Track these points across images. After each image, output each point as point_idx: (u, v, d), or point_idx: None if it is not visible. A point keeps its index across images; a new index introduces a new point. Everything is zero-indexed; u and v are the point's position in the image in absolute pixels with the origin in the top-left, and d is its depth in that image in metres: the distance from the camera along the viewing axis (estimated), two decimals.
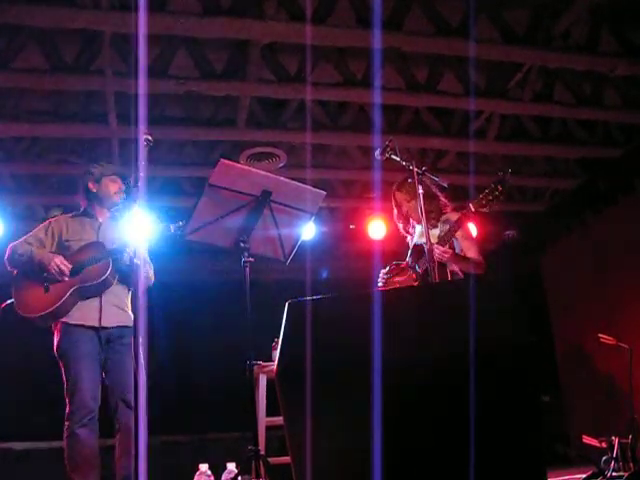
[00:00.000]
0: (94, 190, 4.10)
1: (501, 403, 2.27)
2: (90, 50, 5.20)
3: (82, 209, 4.18)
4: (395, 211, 4.60)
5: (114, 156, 6.31)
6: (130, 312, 4.05)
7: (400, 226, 4.63)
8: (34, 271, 3.85)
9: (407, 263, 4.39)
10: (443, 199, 4.39)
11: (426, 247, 3.85)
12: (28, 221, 6.86)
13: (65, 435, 3.77)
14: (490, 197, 3.97)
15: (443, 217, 4.34)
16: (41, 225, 4.14)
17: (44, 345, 4.00)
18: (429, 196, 4.17)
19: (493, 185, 3.97)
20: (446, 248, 4.04)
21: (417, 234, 4.50)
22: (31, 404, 5.92)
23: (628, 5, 5.31)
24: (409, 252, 4.41)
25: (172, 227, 3.97)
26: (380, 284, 4.46)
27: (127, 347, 3.90)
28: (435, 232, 4.21)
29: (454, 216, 4.27)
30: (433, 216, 4.25)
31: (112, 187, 4.09)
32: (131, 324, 3.98)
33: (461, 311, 2.28)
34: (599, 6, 5.24)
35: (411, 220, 4.54)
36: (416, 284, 4.21)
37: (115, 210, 4.13)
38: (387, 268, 4.49)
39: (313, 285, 6.69)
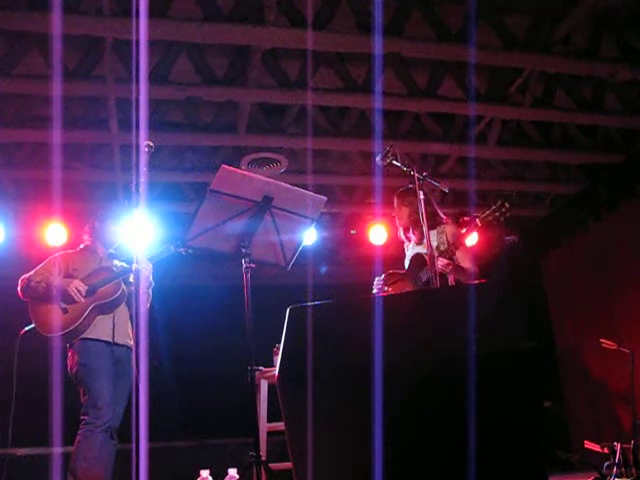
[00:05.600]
0: (98, 229, 4.52)
1: (502, 408, 2.27)
2: (92, 56, 5.21)
3: (84, 245, 4.58)
4: (397, 218, 4.64)
5: (115, 162, 6.32)
6: (131, 339, 4.39)
7: (400, 231, 4.66)
8: (52, 296, 4.18)
9: (407, 272, 4.39)
10: (442, 215, 4.40)
11: (427, 253, 3.85)
12: (29, 227, 6.87)
13: (82, 437, 3.94)
14: (497, 213, 4.08)
15: (440, 227, 4.35)
16: (48, 260, 4.45)
17: (58, 367, 4.24)
18: (426, 204, 4.16)
19: (500, 202, 4.08)
20: (448, 261, 4.08)
21: (412, 248, 4.50)
22: (33, 409, 5.96)
23: (628, 11, 5.31)
24: (409, 261, 4.41)
25: (172, 247, 4.27)
26: (375, 291, 4.46)
27: (127, 374, 4.29)
28: (432, 241, 4.19)
29: (451, 227, 4.32)
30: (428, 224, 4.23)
31: (112, 229, 4.50)
32: (132, 348, 4.34)
33: (462, 317, 2.28)
34: (600, 11, 5.24)
35: (410, 229, 4.57)
36: None
37: (111, 249, 4.54)
38: (382, 275, 4.49)
39: (314, 290, 6.68)
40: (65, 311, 4.15)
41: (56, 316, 4.15)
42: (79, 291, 4.16)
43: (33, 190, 6.93)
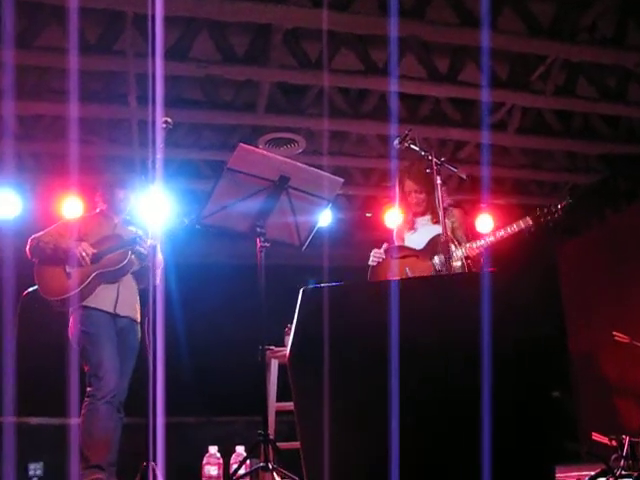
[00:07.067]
0: (107, 195, 4.41)
1: (513, 396, 2.27)
2: (112, 30, 5.20)
3: (99, 210, 4.47)
4: (398, 197, 4.47)
5: (133, 137, 6.33)
6: (138, 311, 4.32)
7: (401, 214, 4.53)
8: (58, 258, 4.09)
9: (425, 250, 4.27)
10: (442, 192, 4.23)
11: (443, 236, 3.81)
12: (46, 200, 6.90)
13: (85, 410, 3.89)
14: (549, 217, 4.13)
15: (448, 210, 4.28)
16: (61, 222, 4.41)
17: (62, 331, 4.17)
18: (434, 189, 3.97)
19: (553, 208, 4.16)
20: (480, 251, 4.08)
21: (422, 227, 4.39)
22: (45, 379, 6.01)
23: None
24: (428, 240, 4.28)
25: (186, 220, 4.15)
26: (373, 263, 4.34)
27: (132, 347, 4.22)
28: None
29: (459, 211, 4.35)
30: (437, 211, 4.04)
31: (118, 195, 4.38)
32: (138, 320, 4.29)
33: (476, 304, 2.27)
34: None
35: (410, 213, 4.44)
36: (432, 271, 4.15)
37: (126, 215, 4.43)
38: (382, 248, 4.37)
39: (329, 272, 6.68)
40: (69, 275, 4.08)
41: (59, 279, 4.08)
42: (87, 254, 4.05)
43: (51, 163, 6.96)
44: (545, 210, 4.15)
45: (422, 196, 4.32)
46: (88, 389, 3.94)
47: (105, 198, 4.42)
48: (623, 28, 5.42)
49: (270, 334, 3.92)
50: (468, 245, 4.12)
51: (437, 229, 4.13)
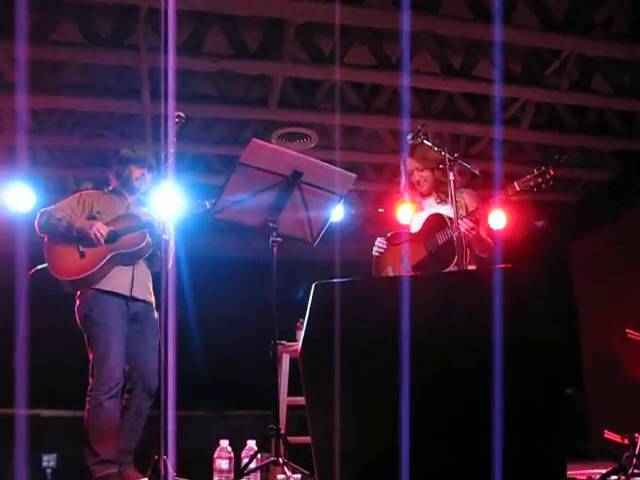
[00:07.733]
0: (120, 172, 4.20)
1: (524, 394, 2.26)
2: (125, 25, 5.21)
3: (112, 187, 4.27)
4: (403, 179, 4.32)
5: (146, 131, 6.34)
6: (152, 294, 4.14)
7: (406, 196, 4.37)
8: (71, 237, 3.89)
9: (420, 232, 4.15)
10: (455, 174, 4.08)
11: (454, 231, 3.76)
12: (59, 193, 6.93)
13: (90, 406, 3.77)
14: (539, 179, 3.75)
15: (457, 190, 4.19)
16: (72, 196, 4.21)
17: (71, 313, 4.01)
18: (441, 168, 3.90)
19: (544, 168, 3.75)
20: (474, 225, 3.85)
21: (427, 209, 4.29)
22: (58, 371, 6.03)
23: None
24: (423, 221, 4.14)
25: (208, 203, 3.94)
26: (376, 253, 4.28)
27: (151, 330, 4.03)
28: (447, 207, 3.97)
29: (470, 192, 4.19)
30: (443, 189, 4.03)
31: (134, 173, 4.17)
32: (153, 305, 4.12)
33: (488, 300, 2.26)
34: None
35: (417, 195, 4.30)
36: (425, 254, 4.04)
37: (140, 195, 4.24)
38: (387, 235, 4.32)
39: (340, 267, 6.68)
40: (82, 255, 3.86)
41: (72, 259, 3.86)
42: (101, 234, 3.84)
43: (64, 157, 6.99)
44: (535, 172, 3.76)
45: (424, 174, 4.17)
46: (90, 380, 3.79)
47: (120, 175, 4.20)
48: (639, 23, 5.37)
49: (282, 328, 3.90)
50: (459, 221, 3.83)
51: (441, 210, 4.06)
